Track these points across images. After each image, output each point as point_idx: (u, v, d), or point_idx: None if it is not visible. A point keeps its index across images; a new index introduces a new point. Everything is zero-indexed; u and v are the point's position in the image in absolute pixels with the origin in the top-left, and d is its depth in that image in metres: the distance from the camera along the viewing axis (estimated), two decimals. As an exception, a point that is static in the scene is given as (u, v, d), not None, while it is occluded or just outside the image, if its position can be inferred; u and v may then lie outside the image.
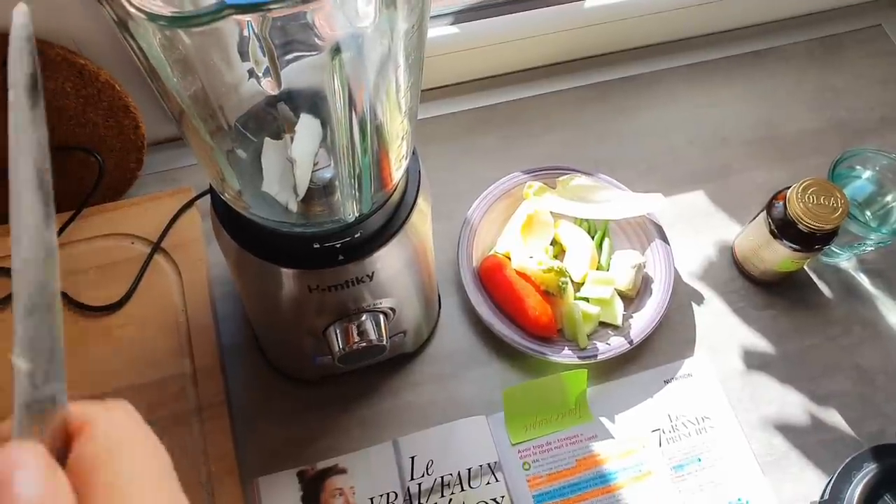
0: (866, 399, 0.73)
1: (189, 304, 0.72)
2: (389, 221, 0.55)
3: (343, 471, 0.67)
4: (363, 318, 0.59)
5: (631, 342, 0.72)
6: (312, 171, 0.50)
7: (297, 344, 0.64)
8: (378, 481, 0.66)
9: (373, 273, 0.55)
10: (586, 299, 0.74)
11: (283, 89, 0.44)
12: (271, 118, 0.50)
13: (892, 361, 0.75)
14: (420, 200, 0.56)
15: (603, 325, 0.74)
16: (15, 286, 0.23)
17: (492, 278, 0.74)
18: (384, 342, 0.59)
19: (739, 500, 0.68)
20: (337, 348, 0.59)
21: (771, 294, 0.78)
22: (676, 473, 0.68)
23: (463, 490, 0.66)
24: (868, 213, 0.78)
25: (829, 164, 0.75)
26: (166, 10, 0.31)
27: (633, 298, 0.76)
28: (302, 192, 0.49)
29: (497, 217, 0.79)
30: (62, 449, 0.24)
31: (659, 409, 0.71)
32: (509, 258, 0.75)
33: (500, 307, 0.74)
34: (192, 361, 0.69)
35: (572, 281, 0.75)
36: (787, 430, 0.71)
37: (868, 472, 0.65)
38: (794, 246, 0.71)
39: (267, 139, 0.49)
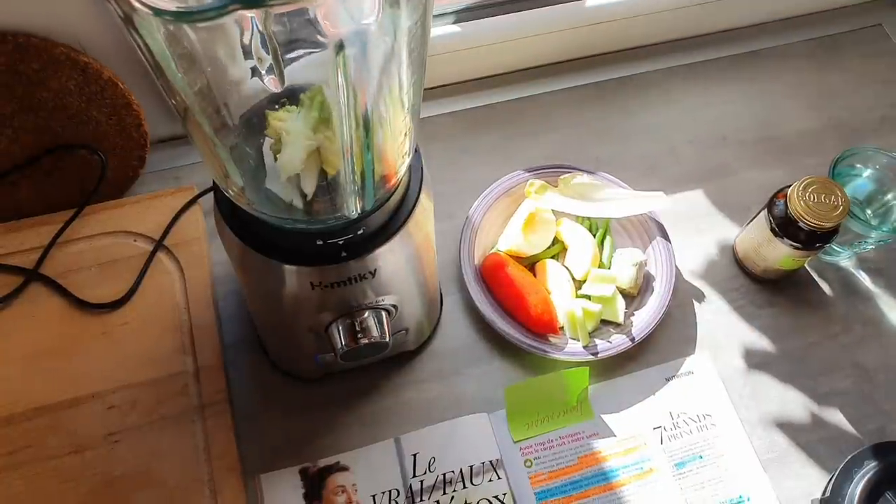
0: (867, 397, 0.73)
1: (191, 301, 0.72)
2: (392, 218, 0.55)
3: (345, 468, 0.67)
4: (365, 315, 0.59)
5: (632, 340, 0.72)
6: (315, 168, 0.50)
7: (300, 341, 0.64)
8: (380, 479, 0.67)
9: (375, 270, 0.55)
10: (588, 297, 0.74)
11: (287, 86, 0.44)
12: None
13: (893, 359, 0.75)
14: (422, 198, 0.56)
15: (604, 322, 0.74)
16: None
17: (493, 276, 0.74)
18: (386, 339, 0.60)
19: (741, 497, 0.68)
20: (339, 345, 0.59)
21: (772, 292, 0.78)
22: (678, 471, 0.69)
23: (465, 487, 0.66)
24: (869, 211, 0.78)
25: (828, 164, 0.75)
26: (171, 6, 0.31)
27: (634, 296, 0.76)
28: (310, 191, 0.49)
29: (499, 215, 0.79)
30: None
31: (660, 406, 0.72)
32: (511, 256, 0.75)
33: (502, 305, 0.74)
34: (195, 359, 0.69)
35: (574, 279, 0.76)
36: (789, 428, 0.71)
37: (869, 469, 0.65)
38: (794, 244, 0.71)
39: (270, 136, 0.49)
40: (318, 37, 0.42)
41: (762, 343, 0.76)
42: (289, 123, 0.46)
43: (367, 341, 0.58)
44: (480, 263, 0.76)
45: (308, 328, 0.60)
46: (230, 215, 0.54)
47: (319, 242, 0.51)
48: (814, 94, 0.93)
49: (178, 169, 0.82)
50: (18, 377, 0.68)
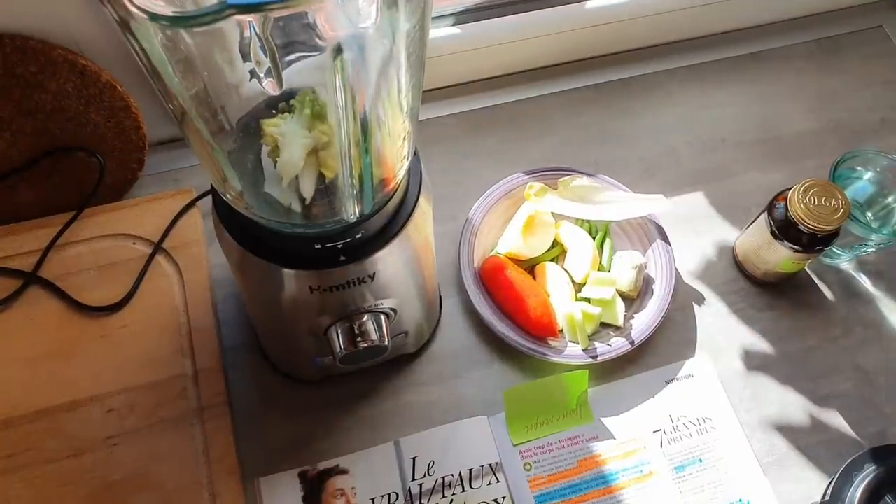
0: (867, 400, 0.73)
1: (190, 304, 0.72)
2: (391, 222, 0.55)
3: (344, 471, 0.67)
4: (364, 318, 0.59)
5: (632, 343, 0.72)
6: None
7: (299, 344, 0.64)
8: (379, 482, 0.66)
9: (374, 273, 0.55)
10: (587, 300, 0.74)
11: (285, 89, 0.44)
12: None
13: (893, 362, 0.75)
14: (421, 201, 0.56)
15: (604, 325, 0.74)
16: None
17: (493, 279, 0.74)
18: (385, 343, 0.59)
19: (741, 500, 0.68)
20: (338, 349, 0.59)
21: (772, 295, 0.78)
22: (678, 474, 0.68)
23: (464, 491, 0.66)
24: (869, 214, 0.78)
25: (829, 166, 0.75)
26: (168, 10, 0.31)
27: (634, 299, 0.76)
28: (308, 195, 0.49)
29: (498, 218, 0.79)
30: None
31: (660, 409, 0.71)
32: (510, 259, 0.75)
33: (502, 308, 0.74)
34: (194, 362, 0.69)
35: (573, 281, 0.76)
36: (788, 431, 0.71)
37: (869, 472, 0.65)
38: (795, 247, 0.71)
39: (268, 139, 0.49)
40: (317, 40, 0.42)
41: (762, 346, 0.75)
42: (283, 127, 0.46)
43: (365, 345, 0.58)
44: (480, 266, 0.76)
45: (307, 331, 0.60)
46: (228, 219, 0.54)
47: (318, 246, 0.51)
48: (814, 95, 0.92)
49: (177, 171, 0.82)
50: (17, 380, 0.68)
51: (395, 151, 0.50)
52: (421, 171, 0.56)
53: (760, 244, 0.74)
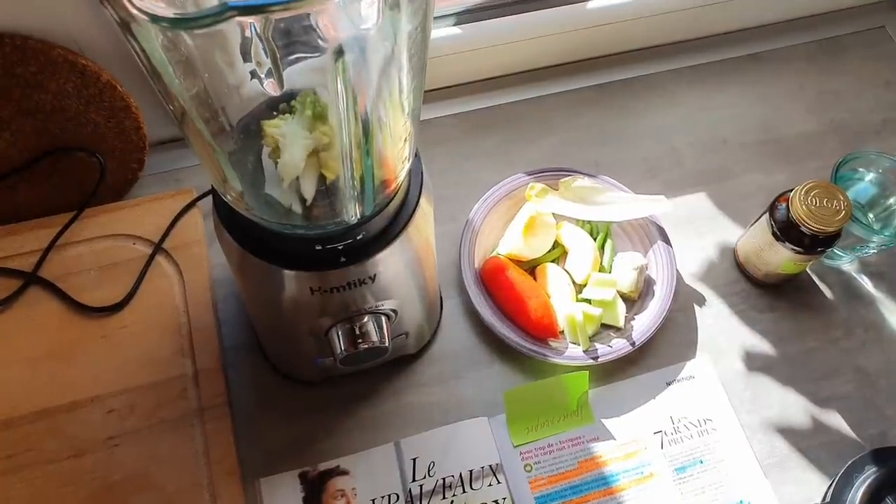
0: (868, 402, 0.73)
1: (191, 304, 0.72)
2: (392, 223, 0.55)
3: (345, 472, 0.67)
4: (365, 319, 0.59)
5: (633, 344, 0.72)
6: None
7: (299, 345, 0.64)
8: (380, 483, 0.66)
9: (375, 275, 0.55)
10: (588, 301, 0.74)
11: (286, 90, 0.44)
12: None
13: (894, 364, 0.75)
14: (422, 202, 0.56)
15: (605, 326, 0.74)
16: None
17: (494, 280, 0.74)
18: (386, 344, 0.59)
19: (741, 502, 0.67)
20: (339, 350, 0.59)
21: (773, 296, 0.78)
22: (678, 475, 0.68)
23: (465, 492, 0.66)
24: (871, 215, 0.78)
25: (830, 167, 0.75)
26: (169, 12, 0.31)
27: (635, 300, 0.76)
28: (309, 196, 0.48)
29: (499, 219, 0.78)
30: None
31: (661, 410, 0.71)
32: (511, 260, 0.75)
33: (502, 309, 0.74)
34: (194, 362, 0.69)
35: (574, 282, 0.75)
36: (789, 433, 0.71)
37: (870, 474, 0.65)
38: (796, 248, 0.71)
39: (269, 140, 0.49)
40: (318, 41, 0.42)
41: (763, 347, 0.75)
42: (284, 128, 0.46)
43: (366, 346, 0.58)
44: (481, 267, 0.76)
45: (307, 332, 0.60)
46: (229, 220, 0.53)
47: (319, 247, 0.51)
48: (815, 96, 0.92)
49: (178, 171, 0.82)
50: (17, 381, 0.68)
51: (397, 153, 0.50)
52: (422, 173, 0.56)
53: (762, 245, 0.74)
